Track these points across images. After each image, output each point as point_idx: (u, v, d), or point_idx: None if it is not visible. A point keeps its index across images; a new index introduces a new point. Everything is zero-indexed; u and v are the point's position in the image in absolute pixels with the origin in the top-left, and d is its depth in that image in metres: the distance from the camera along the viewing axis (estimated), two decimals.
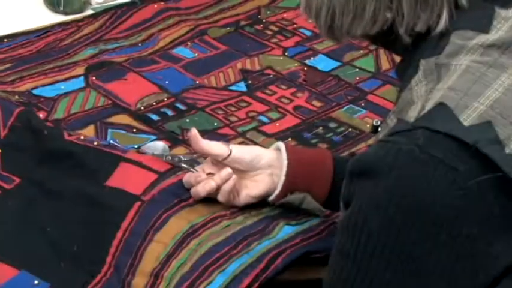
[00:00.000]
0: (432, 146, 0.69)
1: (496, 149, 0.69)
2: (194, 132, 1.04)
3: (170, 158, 1.11)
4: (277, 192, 1.03)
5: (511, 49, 0.76)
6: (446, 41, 0.78)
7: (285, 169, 1.02)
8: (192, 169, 1.07)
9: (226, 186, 1.01)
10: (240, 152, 1.04)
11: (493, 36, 0.76)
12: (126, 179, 1.07)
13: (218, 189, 1.02)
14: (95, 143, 1.14)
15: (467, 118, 0.70)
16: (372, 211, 0.71)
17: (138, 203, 1.02)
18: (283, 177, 1.02)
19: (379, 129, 1.06)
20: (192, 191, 1.03)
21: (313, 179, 1.03)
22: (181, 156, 1.11)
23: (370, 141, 1.31)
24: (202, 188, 1.02)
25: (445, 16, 0.79)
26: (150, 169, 1.08)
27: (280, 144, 1.05)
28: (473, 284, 0.71)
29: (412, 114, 0.74)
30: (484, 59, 0.75)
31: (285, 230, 1.01)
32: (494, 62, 0.74)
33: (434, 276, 0.70)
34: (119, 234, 1.00)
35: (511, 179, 0.68)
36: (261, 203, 1.06)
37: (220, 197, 1.02)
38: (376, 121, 1.08)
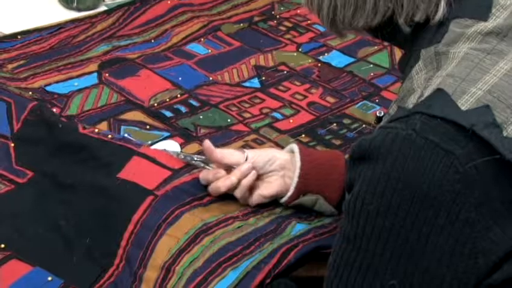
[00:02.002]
0: (429, 130, 0.70)
1: (493, 132, 0.69)
2: (207, 144, 1.04)
3: (183, 156, 1.11)
4: (290, 193, 1.03)
5: (509, 36, 0.77)
6: (445, 30, 0.79)
7: (298, 171, 1.02)
8: (207, 166, 1.06)
9: (246, 181, 1.02)
10: (255, 156, 1.04)
11: (491, 23, 0.78)
12: (139, 173, 1.06)
13: (237, 185, 1.02)
14: (109, 137, 1.14)
15: (465, 103, 0.71)
16: (369, 195, 0.72)
17: (150, 197, 1.02)
18: (296, 179, 1.02)
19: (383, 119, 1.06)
20: (212, 186, 1.03)
21: (326, 181, 1.03)
22: (194, 156, 1.10)
23: None
24: (222, 184, 1.02)
25: (443, 5, 0.80)
26: (163, 166, 1.07)
27: (294, 146, 1.05)
28: (473, 269, 0.71)
29: (411, 101, 0.75)
30: (482, 46, 0.76)
31: (297, 228, 1.00)
32: (492, 49, 0.75)
33: (432, 259, 0.71)
34: (130, 227, 1.00)
35: (508, 162, 0.69)
36: (272, 203, 1.05)
37: (238, 192, 1.02)
38: (380, 112, 1.09)
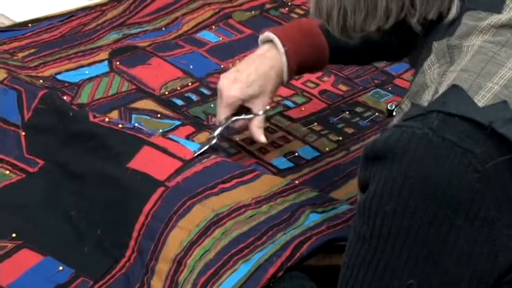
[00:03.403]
0: (446, 129, 0.68)
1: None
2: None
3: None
4: (285, 68, 1.13)
5: None
6: (458, 22, 0.77)
7: (281, 49, 1.13)
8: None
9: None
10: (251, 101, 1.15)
11: (505, 16, 0.76)
12: (150, 163, 1.06)
13: None
14: (120, 126, 1.14)
15: (482, 99, 0.69)
16: (386, 195, 0.70)
17: (161, 188, 1.01)
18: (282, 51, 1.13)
19: (394, 113, 1.05)
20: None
21: (312, 52, 1.14)
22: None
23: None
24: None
25: (456, 3, 0.78)
26: (175, 156, 1.07)
27: (274, 39, 1.14)
28: (493, 268, 0.70)
29: (426, 98, 0.73)
30: (496, 38, 0.74)
31: (311, 218, 0.99)
32: (507, 41, 0.73)
33: (451, 259, 0.69)
34: (141, 218, 0.99)
35: None
36: (286, 190, 1.04)
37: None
38: (391, 105, 1.09)
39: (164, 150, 1.08)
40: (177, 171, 1.04)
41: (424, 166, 0.68)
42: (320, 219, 0.99)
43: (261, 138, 1.16)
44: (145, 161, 1.06)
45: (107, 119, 1.16)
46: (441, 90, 0.72)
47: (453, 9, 0.78)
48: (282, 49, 1.14)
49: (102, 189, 1.06)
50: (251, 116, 1.15)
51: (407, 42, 0.85)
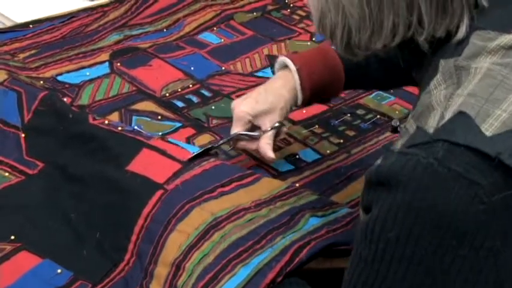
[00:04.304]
0: (452, 159, 0.66)
1: None
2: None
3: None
4: (298, 87, 1.11)
5: None
6: (466, 42, 0.74)
7: (296, 76, 1.10)
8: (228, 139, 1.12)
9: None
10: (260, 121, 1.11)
11: None
12: (149, 165, 1.05)
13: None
14: (120, 128, 1.13)
15: (490, 127, 0.67)
16: (390, 221, 0.68)
17: (160, 191, 1.01)
18: (296, 76, 1.10)
19: (399, 129, 1.03)
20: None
21: (327, 73, 1.12)
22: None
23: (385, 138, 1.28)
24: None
25: (465, 22, 0.75)
26: (173, 158, 1.06)
27: (286, 60, 1.11)
28: None
29: (431, 124, 0.70)
30: (505, 60, 0.71)
31: (310, 222, 0.98)
32: None
33: None
34: (141, 221, 0.99)
35: None
36: (286, 193, 1.04)
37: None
38: (395, 121, 1.07)
39: (163, 153, 1.07)
40: (176, 174, 1.03)
41: (429, 196, 0.67)
42: (320, 223, 0.98)
43: (269, 153, 1.10)
44: (144, 164, 1.06)
45: (106, 122, 1.16)
46: (447, 115, 0.69)
47: (462, 28, 0.75)
48: (293, 67, 1.11)
49: (101, 192, 1.05)
50: (257, 134, 1.11)
51: (414, 59, 0.83)
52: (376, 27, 0.76)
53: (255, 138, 1.11)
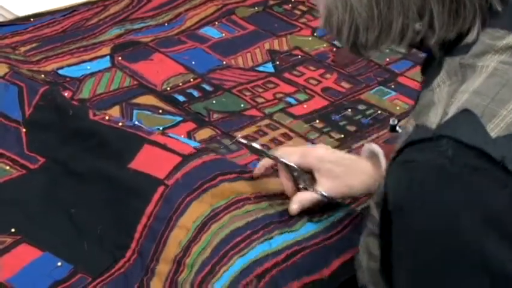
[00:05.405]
0: (463, 155, 0.65)
1: None
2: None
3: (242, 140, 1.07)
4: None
5: None
6: (475, 40, 0.73)
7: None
8: (269, 154, 1.00)
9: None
10: (331, 192, 0.97)
11: None
12: (150, 161, 1.05)
13: None
14: (120, 124, 1.13)
15: (495, 128, 0.66)
16: (417, 246, 0.67)
17: (161, 188, 1.01)
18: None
19: (397, 128, 1.01)
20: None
21: None
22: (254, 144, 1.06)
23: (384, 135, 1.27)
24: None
25: (477, 26, 0.73)
26: (174, 151, 1.06)
27: (377, 150, 0.97)
28: None
29: (433, 120, 0.68)
30: None
31: (307, 227, 0.98)
32: None
33: None
34: (144, 219, 0.99)
35: None
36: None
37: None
38: (394, 120, 1.05)
39: (163, 146, 1.07)
40: (177, 167, 1.03)
41: (455, 197, 0.65)
42: (316, 230, 0.98)
43: (293, 207, 0.98)
44: (146, 160, 1.06)
45: (107, 117, 1.15)
46: (451, 112, 0.67)
47: (474, 31, 0.73)
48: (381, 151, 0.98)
49: (103, 188, 1.05)
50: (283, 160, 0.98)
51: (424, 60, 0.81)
52: (384, 28, 0.74)
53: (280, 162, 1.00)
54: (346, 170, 0.97)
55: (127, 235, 0.99)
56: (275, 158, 0.99)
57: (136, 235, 0.98)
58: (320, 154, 0.98)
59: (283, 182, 0.99)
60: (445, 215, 0.65)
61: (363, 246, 0.82)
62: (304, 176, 0.97)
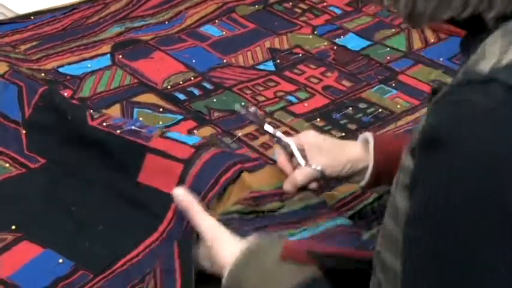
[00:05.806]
0: None
1: None
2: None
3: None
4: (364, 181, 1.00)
5: None
6: None
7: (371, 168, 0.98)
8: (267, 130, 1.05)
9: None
10: (327, 169, 1.00)
11: None
12: (157, 174, 1.06)
13: None
14: (118, 132, 1.12)
15: None
16: (454, 185, 0.61)
17: (175, 204, 1.00)
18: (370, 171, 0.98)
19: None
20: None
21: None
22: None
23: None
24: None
25: None
26: (174, 158, 1.05)
27: (369, 136, 0.99)
28: None
29: (484, 66, 0.65)
30: None
31: (303, 233, 0.97)
32: None
33: None
34: (156, 234, 1.01)
35: None
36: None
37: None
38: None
39: (164, 154, 1.07)
40: (181, 177, 1.03)
41: (497, 143, 0.60)
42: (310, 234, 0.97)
43: (287, 185, 1.00)
44: (152, 173, 1.07)
45: (104, 124, 1.14)
46: (505, 61, 0.64)
47: None
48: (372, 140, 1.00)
49: (111, 198, 1.07)
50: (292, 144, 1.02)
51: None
52: None
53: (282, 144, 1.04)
54: (333, 145, 1.02)
55: (133, 243, 1.01)
56: (272, 135, 1.05)
57: (141, 247, 1.01)
58: (309, 132, 1.04)
59: (281, 161, 1.02)
60: (486, 158, 0.61)
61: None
62: (298, 153, 1.02)
